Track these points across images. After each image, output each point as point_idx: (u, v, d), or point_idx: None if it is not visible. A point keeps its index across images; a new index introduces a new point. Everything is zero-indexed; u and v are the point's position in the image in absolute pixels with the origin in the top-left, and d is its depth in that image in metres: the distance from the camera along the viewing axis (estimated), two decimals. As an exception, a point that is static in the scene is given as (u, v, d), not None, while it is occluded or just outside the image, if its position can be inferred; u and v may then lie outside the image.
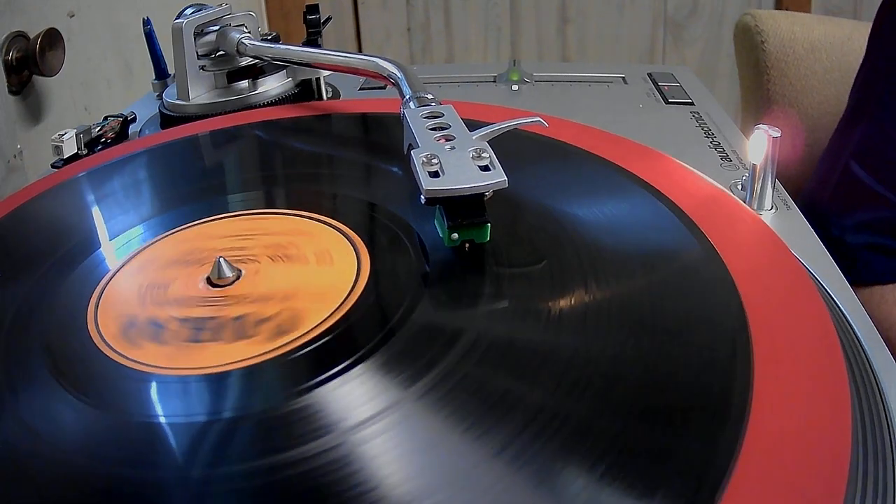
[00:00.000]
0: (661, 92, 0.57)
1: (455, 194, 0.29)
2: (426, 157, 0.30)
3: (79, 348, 0.27)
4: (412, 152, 0.31)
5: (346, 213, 0.35)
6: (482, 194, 0.29)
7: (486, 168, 0.30)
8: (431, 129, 0.33)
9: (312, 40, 0.54)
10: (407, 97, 0.38)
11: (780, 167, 0.37)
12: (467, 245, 0.30)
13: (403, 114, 0.35)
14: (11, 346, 0.28)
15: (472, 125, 0.33)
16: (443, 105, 0.36)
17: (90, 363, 0.27)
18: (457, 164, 0.30)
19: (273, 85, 0.52)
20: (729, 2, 1.30)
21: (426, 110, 0.35)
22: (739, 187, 0.39)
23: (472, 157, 0.30)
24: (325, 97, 0.54)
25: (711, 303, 0.27)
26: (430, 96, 0.38)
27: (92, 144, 0.49)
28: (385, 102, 0.47)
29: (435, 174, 0.29)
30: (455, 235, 0.29)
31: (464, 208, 0.29)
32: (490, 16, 1.33)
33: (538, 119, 0.34)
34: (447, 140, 0.32)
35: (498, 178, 0.29)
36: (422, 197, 0.29)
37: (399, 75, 0.41)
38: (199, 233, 0.34)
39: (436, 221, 0.31)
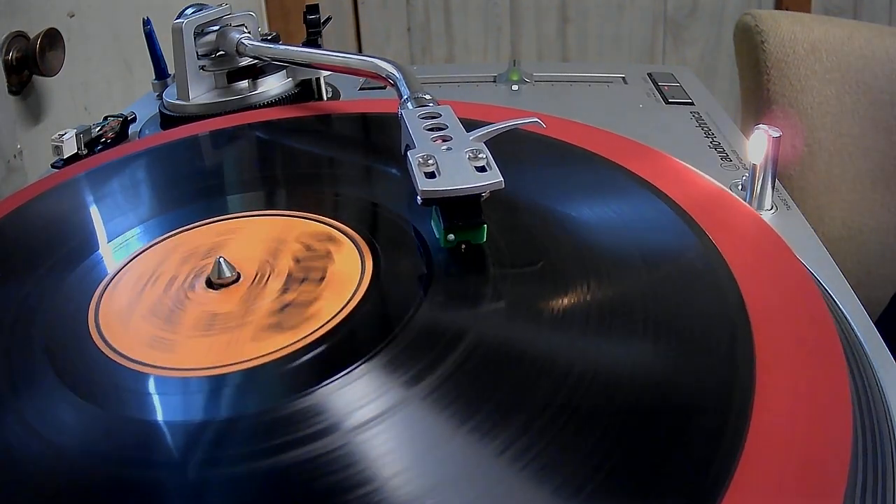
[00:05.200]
0: (661, 92, 0.57)
1: (451, 195, 0.29)
2: (422, 157, 0.30)
3: (79, 348, 0.27)
4: (409, 153, 0.31)
5: (349, 214, 0.35)
6: (479, 195, 0.29)
7: (482, 169, 0.30)
8: (428, 130, 0.33)
9: (312, 40, 0.54)
10: (405, 97, 0.38)
11: (780, 167, 0.37)
12: (463, 246, 0.30)
13: (401, 114, 0.35)
14: (12, 347, 0.28)
15: (472, 125, 0.33)
16: (440, 105, 0.36)
17: (91, 363, 0.27)
18: (453, 164, 0.30)
19: (273, 85, 0.52)
20: (729, 2, 1.30)
21: (424, 111, 0.35)
22: (739, 187, 0.39)
23: (469, 158, 0.30)
24: (325, 97, 0.54)
25: (713, 302, 0.27)
26: (427, 97, 0.38)
27: (92, 144, 0.49)
28: (385, 103, 0.47)
29: (431, 175, 0.29)
30: (451, 236, 0.29)
31: (460, 209, 0.29)
32: (490, 16, 1.33)
33: (536, 120, 0.34)
34: (444, 140, 0.32)
35: (494, 178, 0.29)
36: (418, 198, 0.29)
37: (397, 75, 0.41)
38: (200, 233, 0.34)
39: (432, 222, 0.31)
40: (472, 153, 0.30)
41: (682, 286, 0.29)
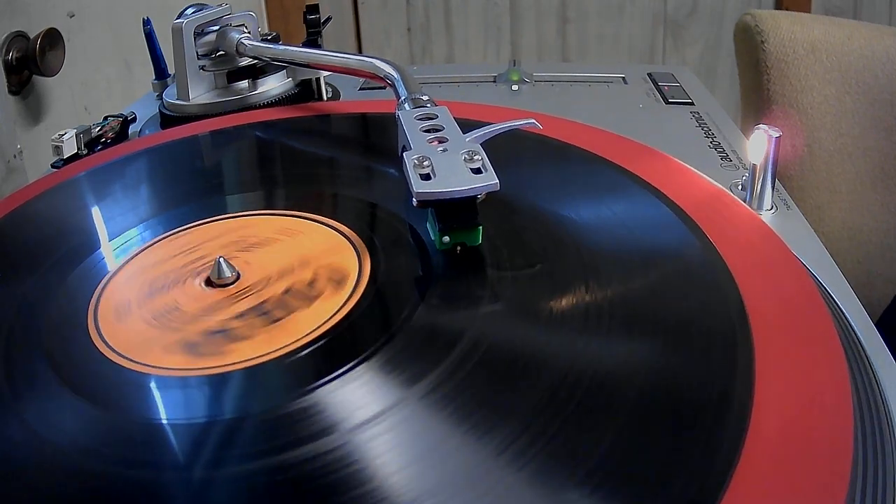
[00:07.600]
0: (661, 92, 0.57)
1: (446, 197, 0.29)
2: (418, 159, 0.30)
3: (78, 349, 0.27)
4: (404, 154, 0.31)
5: (346, 214, 0.34)
6: (474, 197, 0.29)
7: (478, 171, 0.30)
8: (425, 131, 0.33)
9: (312, 40, 0.54)
10: (402, 98, 0.38)
11: (780, 167, 0.37)
12: (459, 248, 0.30)
13: (398, 115, 0.35)
14: (11, 347, 0.28)
15: (471, 126, 0.33)
16: (437, 106, 0.36)
17: (89, 364, 0.27)
18: (448, 166, 0.30)
19: (273, 85, 0.52)
20: (729, 2, 1.30)
21: (420, 112, 0.35)
22: (739, 187, 0.39)
23: (465, 160, 0.30)
24: (325, 97, 0.54)
25: (712, 303, 0.27)
26: (425, 97, 0.38)
27: (92, 144, 0.49)
28: (384, 103, 0.47)
29: (426, 176, 0.29)
30: (446, 238, 0.29)
31: (455, 211, 0.29)
32: (490, 16, 1.33)
33: (532, 121, 0.34)
34: (440, 142, 0.32)
35: (489, 180, 0.29)
36: (413, 200, 0.29)
37: (395, 76, 0.41)
38: (199, 233, 0.34)
39: (428, 224, 0.31)
40: (468, 155, 0.30)
41: (681, 286, 0.29)
